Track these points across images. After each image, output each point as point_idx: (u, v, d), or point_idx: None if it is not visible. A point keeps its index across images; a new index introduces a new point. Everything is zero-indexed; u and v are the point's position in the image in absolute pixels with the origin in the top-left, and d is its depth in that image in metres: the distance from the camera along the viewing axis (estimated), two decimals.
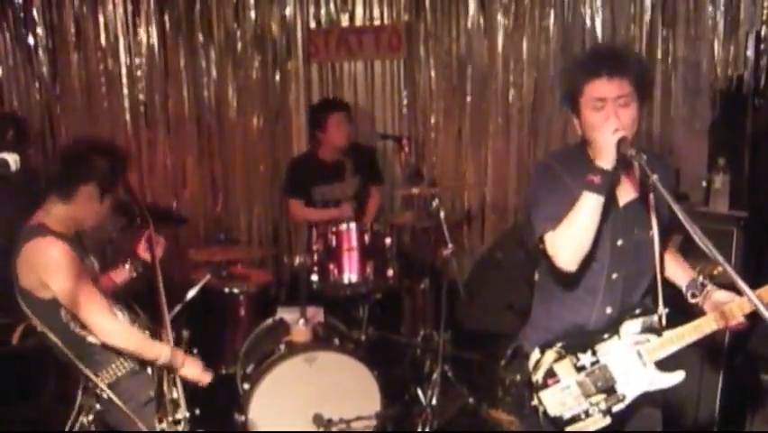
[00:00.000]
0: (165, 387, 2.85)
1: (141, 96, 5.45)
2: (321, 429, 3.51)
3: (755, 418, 3.40)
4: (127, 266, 3.21)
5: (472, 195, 5.34)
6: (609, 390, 2.42)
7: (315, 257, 3.98)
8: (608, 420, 2.42)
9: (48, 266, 2.68)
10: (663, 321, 2.44)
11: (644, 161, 2.15)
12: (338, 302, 4.21)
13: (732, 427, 3.48)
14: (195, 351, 4.16)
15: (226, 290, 4.37)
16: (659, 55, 4.54)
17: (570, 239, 2.31)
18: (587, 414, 2.43)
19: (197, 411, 3.90)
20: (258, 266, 5.24)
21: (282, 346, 3.65)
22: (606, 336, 2.43)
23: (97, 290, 2.80)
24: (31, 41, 5.23)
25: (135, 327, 2.95)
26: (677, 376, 2.41)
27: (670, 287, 2.54)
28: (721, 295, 2.41)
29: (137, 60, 5.40)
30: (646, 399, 2.45)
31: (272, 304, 4.36)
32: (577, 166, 2.41)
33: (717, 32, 4.32)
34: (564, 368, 2.46)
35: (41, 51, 5.26)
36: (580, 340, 2.46)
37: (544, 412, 2.48)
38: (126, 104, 5.43)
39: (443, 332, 4.15)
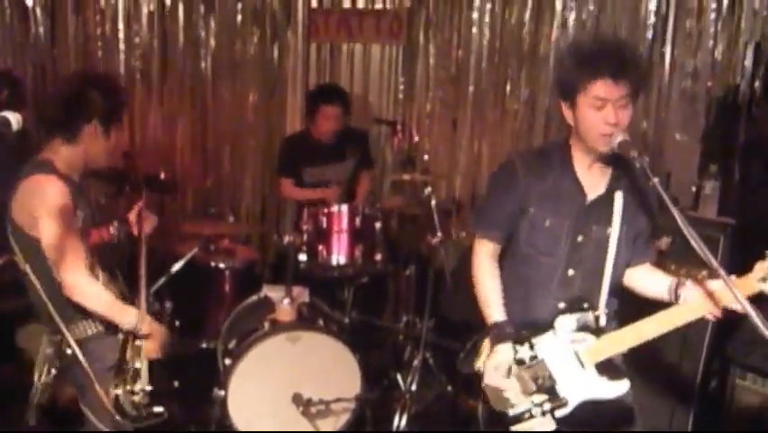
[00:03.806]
0: (129, 354, 2.74)
1: (138, 64, 5.40)
2: (300, 409, 3.52)
3: (728, 423, 3.45)
4: (112, 229, 3.08)
5: (464, 184, 5.35)
6: (550, 390, 2.37)
7: (305, 237, 3.98)
8: (553, 426, 2.38)
9: (42, 205, 2.58)
10: (602, 322, 2.44)
11: (646, 162, 2.16)
12: (323, 283, 4.21)
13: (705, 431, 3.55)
14: (177, 323, 4.19)
15: (212, 264, 4.36)
16: (656, 59, 4.56)
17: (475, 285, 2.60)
18: (530, 414, 2.39)
19: (176, 384, 3.94)
20: (244, 243, 5.24)
21: (266, 324, 3.66)
22: (542, 330, 2.43)
23: (82, 244, 2.69)
24: (29, 1, 5.15)
25: (109, 290, 2.82)
26: (620, 387, 2.38)
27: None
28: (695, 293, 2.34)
29: (135, 27, 5.35)
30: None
31: (257, 281, 4.37)
32: (542, 169, 2.47)
33: (717, 41, 4.33)
34: None
35: (38, 12, 5.19)
36: (518, 331, 2.45)
37: (489, 406, 2.47)
38: (122, 70, 5.38)
39: (427, 319, 4.16)
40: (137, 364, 2.73)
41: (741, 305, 1.83)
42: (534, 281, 2.50)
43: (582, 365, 2.38)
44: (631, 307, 2.50)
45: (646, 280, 2.55)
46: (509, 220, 2.52)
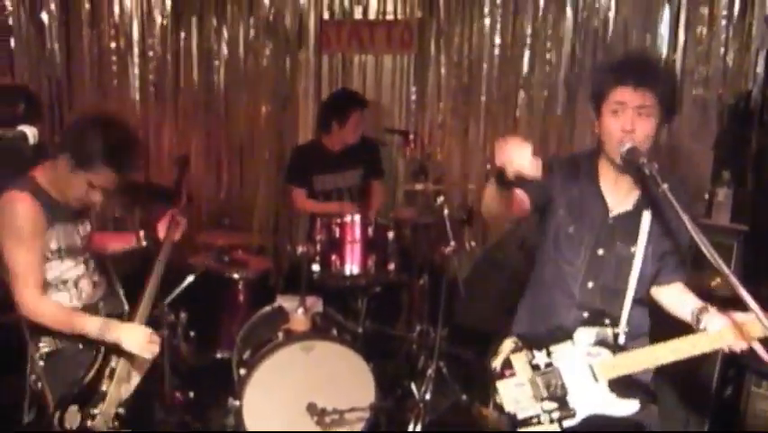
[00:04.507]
0: (93, 375, 2.69)
1: (152, 77, 5.45)
2: (314, 418, 3.53)
3: (743, 430, 3.43)
4: (140, 235, 3.15)
5: (476, 193, 5.35)
6: (561, 399, 2.40)
7: (318, 247, 3.99)
8: None
9: (4, 223, 2.62)
10: (621, 340, 2.42)
11: (655, 169, 2.16)
12: (337, 293, 4.22)
13: None
14: (192, 334, 4.23)
15: (226, 275, 4.39)
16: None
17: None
18: (539, 420, 2.41)
19: (191, 394, 3.97)
20: (257, 253, 5.26)
21: (280, 334, 3.66)
22: (561, 338, 2.44)
23: (39, 264, 2.69)
24: (44, 16, 5.21)
25: (101, 303, 2.92)
26: (630, 406, 2.38)
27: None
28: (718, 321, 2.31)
29: (149, 41, 5.40)
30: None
31: (271, 292, 4.38)
32: (573, 176, 2.49)
33: (728, 48, 4.33)
34: (520, 362, 2.48)
35: (54, 27, 5.26)
36: (538, 337, 2.48)
37: (501, 406, 2.49)
38: (136, 83, 5.44)
39: (440, 329, 4.17)
40: (103, 387, 2.71)
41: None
42: (557, 288, 2.52)
43: (596, 379, 2.38)
44: (665, 326, 2.46)
45: (674, 300, 2.53)
46: (538, 192, 2.45)
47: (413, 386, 4.15)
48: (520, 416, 2.45)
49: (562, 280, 2.49)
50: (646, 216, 2.41)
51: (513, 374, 2.49)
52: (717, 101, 4.35)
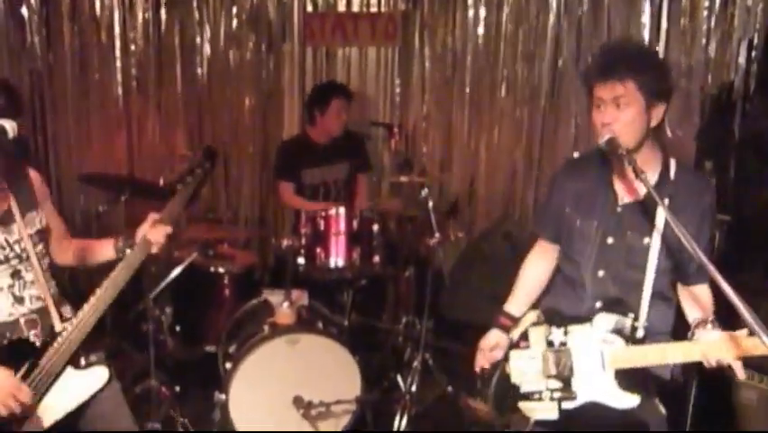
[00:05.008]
0: None
1: (134, 71, 5.41)
2: (300, 411, 3.53)
3: (727, 418, 3.46)
4: (117, 243, 2.60)
5: (461, 185, 5.36)
6: (566, 380, 2.42)
7: (303, 240, 3.98)
8: (555, 415, 2.42)
9: None
10: (639, 333, 2.40)
11: (634, 160, 2.18)
12: (322, 286, 4.22)
13: (705, 427, 3.56)
14: (178, 328, 4.21)
15: (212, 269, 4.37)
16: None
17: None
18: (540, 396, 2.46)
19: (177, 389, 3.96)
20: (243, 247, 5.25)
21: (266, 327, 3.66)
22: (582, 319, 2.46)
23: None
24: (24, 11, 5.15)
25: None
26: (631, 400, 2.38)
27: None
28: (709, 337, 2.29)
29: (131, 34, 5.36)
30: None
31: (256, 285, 4.38)
32: (583, 171, 2.55)
33: (711, 38, 4.35)
34: (537, 335, 2.51)
35: (35, 20, 5.20)
36: (560, 314, 2.53)
37: (507, 375, 2.55)
38: (119, 77, 5.39)
39: (426, 321, 4.18)
40: None
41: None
42: (574, 280, 2.54)
43: (603, 367, 2.39)
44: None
45: (685, 305, 2.50)
46: (556, 220, 2.62)
47: (399, 378, 4.17)
48: (523, 389, 2.51)
49: (577, 272, 2.52)
50: (661, 208, 2.30)
51: (527, 346, 2.53)
52: (699, 92, 4.38)
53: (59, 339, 2.39)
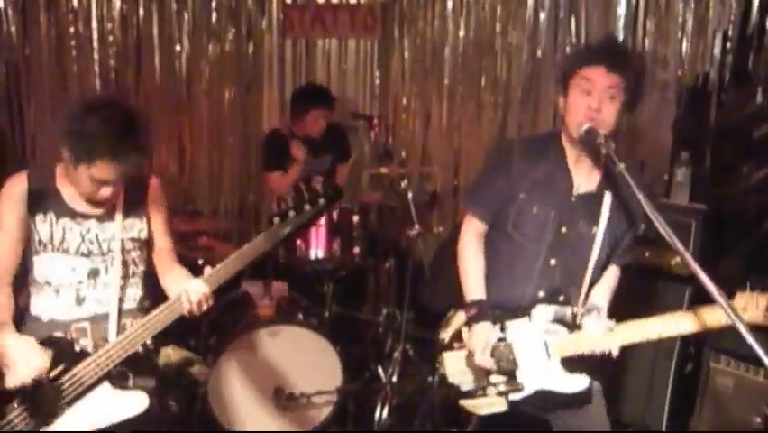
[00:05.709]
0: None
1: (112, 62, 5.36)
2: (281, 402, 3.54)
3: (704, 404, 3.51)
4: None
5: (441, 177, 5.38)
6: (510, 373, 2.43)
7: None
8: (504, 407, 2.44)
9: None
10: (578, 320, 2.45)
11: (612, 149, 2.21)
12: (302, 278, 4.22)
13: (682, 413, 3.61)
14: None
15: (191, 260, 4.34)
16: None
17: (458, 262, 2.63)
18: (484, 392, 2.46)
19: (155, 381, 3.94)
20: (223, 239, 5.22)
21: (246, 319, 3.67)
22: (518, 314, 2.46)
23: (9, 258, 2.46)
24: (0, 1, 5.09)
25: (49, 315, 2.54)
26: (579, 383, 2.42)
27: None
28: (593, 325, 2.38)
29: (108, 25, 5.31)
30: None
31: (235, 278, 4.35)
32: (537, 157, 2.50)
33: (686, 30, 4.39)
34: None
35: (9, 11, 5.14)
36: (493, 312, 2.49)
37: (444, 377, 2.54)
38: (96, 69, 5.34)
39: (406, 312, 4.19)
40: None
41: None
42: (516, 266, 2.53)
43: (549, 356, 2.41)
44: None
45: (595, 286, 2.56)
46: (498, 201, 2.54)
47: (380, 369, 4.18)
48: (464, 388, 2.51)
49: (523, 257, 2.51)
50: (607, 199, 2.45)
51: (462, 347, 2.52)
52: (675, 82, 4.41)
53: (100, 351, 2.39)
